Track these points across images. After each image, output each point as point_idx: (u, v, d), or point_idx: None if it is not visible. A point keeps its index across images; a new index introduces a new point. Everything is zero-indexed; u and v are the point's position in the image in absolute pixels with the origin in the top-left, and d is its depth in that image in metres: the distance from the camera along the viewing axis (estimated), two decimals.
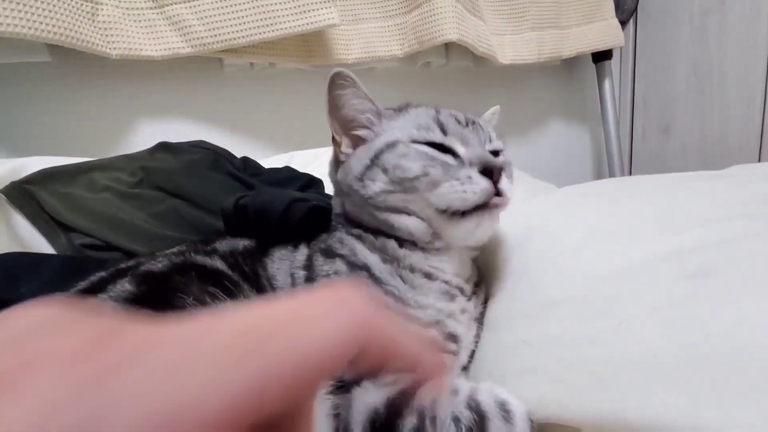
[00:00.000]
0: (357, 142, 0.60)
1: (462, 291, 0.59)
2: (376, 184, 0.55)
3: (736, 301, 0.38)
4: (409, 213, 0.56)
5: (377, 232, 0.58)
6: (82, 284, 0.48)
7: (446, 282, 0.57)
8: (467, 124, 0.58)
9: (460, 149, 0.55)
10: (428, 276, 0.56)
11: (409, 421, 0.44)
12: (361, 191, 0.56)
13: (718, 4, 1.49)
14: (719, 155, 1.54)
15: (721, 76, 1.52)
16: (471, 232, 0.55)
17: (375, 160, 0.56)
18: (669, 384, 0.36)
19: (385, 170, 0.55)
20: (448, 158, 0.54)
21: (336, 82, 0.58)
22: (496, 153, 0.60)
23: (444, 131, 0.56)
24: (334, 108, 0.60)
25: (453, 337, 0.55)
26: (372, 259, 0.56)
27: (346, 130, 0.61)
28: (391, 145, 0.56)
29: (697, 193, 0.57)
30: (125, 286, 0.45)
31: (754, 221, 0.47)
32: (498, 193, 0.53)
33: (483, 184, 0.52)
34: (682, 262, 0.44)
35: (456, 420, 0.43)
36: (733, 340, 0.36)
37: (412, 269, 0.56)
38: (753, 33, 1.41)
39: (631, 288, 0.45)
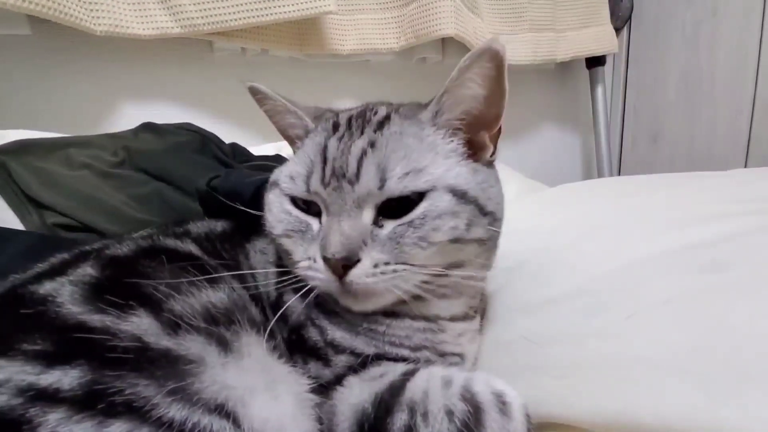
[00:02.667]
0: None
1: (455, 318, 0.51)
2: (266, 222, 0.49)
3: (753, 294, 0.37)
4: None
5: None
6: (42, 266, 0.43)
7: (425, 319, 0.49)
8: (339, 177, 0.43)
9: (322, 216, 0.45)
10: (393, 315, 0.48)
11: (399, 418, 0.40)
12: None
13: (709, 14, 1.50)
14: (707, 164, 1.56)
15: (711, 86, 1.53)
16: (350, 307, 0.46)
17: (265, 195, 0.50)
18: (684, 381, 0.34)
19: (268, 210, 0.49)
20: (310, 221, 0.46)
21: (255, 98, 0.53)
22: (399, 201, 0.43)
23: (308, 187, 0.45)
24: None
25: (452, 355, 0.50)
26: None
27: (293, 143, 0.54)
28: (272, 186, 0.49)
29: (702, 190, 0.56)
30: (87, 270, 0.41)
31: (764, 216, 0.45)
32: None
33: (322, 275, 0.42)
34: (694, 256, 0.42)
35: (449, 413, 0.40)
36: (751, 334, 0.34)
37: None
38: (743, 44, 1.43)
39: (640, 281, 0.44)
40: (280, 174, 0.49)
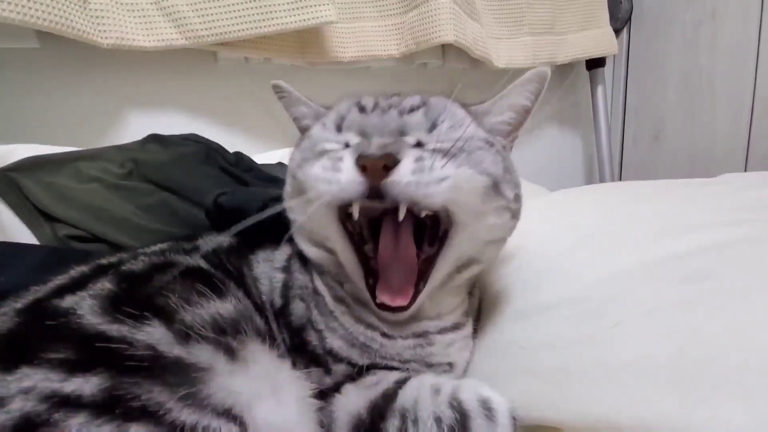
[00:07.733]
0: None
1: (445, 329, 0.53)
2: (288, 196, 0.51)
3: (731, 305, 0.38)
4: (314, 240, 0.52)
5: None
6: (61, 279, 0.46)
7: (415, 335, 0.51)
8: (374, 109, 0.49)
9: (354, 140, 0.46)
10: (387, 336, 0.50)
11: (392, 424, 0.43)
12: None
13: (709, 15, 1.51)
14: (707, 163, 1.56)
15: (711, 86, 1.54)
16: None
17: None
18: (661, 386, 0.36)
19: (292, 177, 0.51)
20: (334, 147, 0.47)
21: (277, 94, 0.58)
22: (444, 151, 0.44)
23: (339, 127, 0.49)
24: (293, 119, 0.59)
25: (440, 365, 0.52)
26: (327, 297, 0.52)
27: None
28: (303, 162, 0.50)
29: (692, 199, 0.58)
30: (105, 284, 0.43)
31: (748, 226, 0.47)
32: (378, 194, 0.40)
33: (348, 174, 0.40)
34: (678, 266, 0.44)
35: (438, 420, 0.42)
36: (726, 342, 0.36)
37: (367, 325, 0.50)
38: (743, 45, 1.44)
39: (626, 290, 0.45)
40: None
